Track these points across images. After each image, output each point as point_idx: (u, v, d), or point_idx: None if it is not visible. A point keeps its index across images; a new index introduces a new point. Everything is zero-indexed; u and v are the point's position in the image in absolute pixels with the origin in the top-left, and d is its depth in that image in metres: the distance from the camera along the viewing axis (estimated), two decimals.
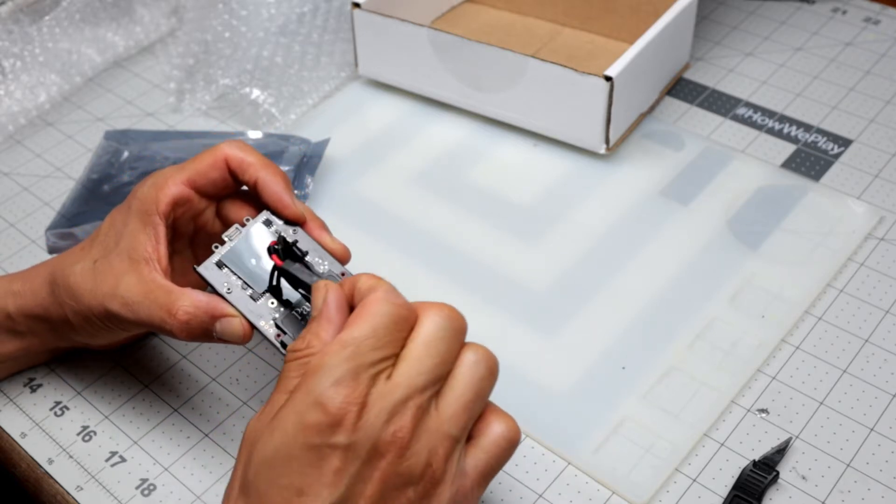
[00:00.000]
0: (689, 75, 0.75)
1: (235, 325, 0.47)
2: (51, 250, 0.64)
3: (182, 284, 0.49)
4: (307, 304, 0.48)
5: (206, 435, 0.54)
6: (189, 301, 0.47)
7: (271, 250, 0.49)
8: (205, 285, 0.49)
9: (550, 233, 0.64)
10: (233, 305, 0.48)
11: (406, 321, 0.41)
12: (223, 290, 0.48)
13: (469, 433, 0.42)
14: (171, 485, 0.52)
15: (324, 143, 0.69)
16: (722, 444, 0.52)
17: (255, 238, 0.50)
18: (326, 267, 0.49)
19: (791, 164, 0.67)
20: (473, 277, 0.61)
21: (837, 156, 0.68)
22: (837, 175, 0.66)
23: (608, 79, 0.64)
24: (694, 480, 0.50)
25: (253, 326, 0.47)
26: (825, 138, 0.69)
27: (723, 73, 0.76)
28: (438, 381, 0.41)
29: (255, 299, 0.48)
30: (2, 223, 0.68)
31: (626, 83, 0.65)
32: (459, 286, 0.61)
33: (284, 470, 0.39)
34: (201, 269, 0.49)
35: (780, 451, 0.50)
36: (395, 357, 0.41)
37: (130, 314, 0.48)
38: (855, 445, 0.51)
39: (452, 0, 0.81)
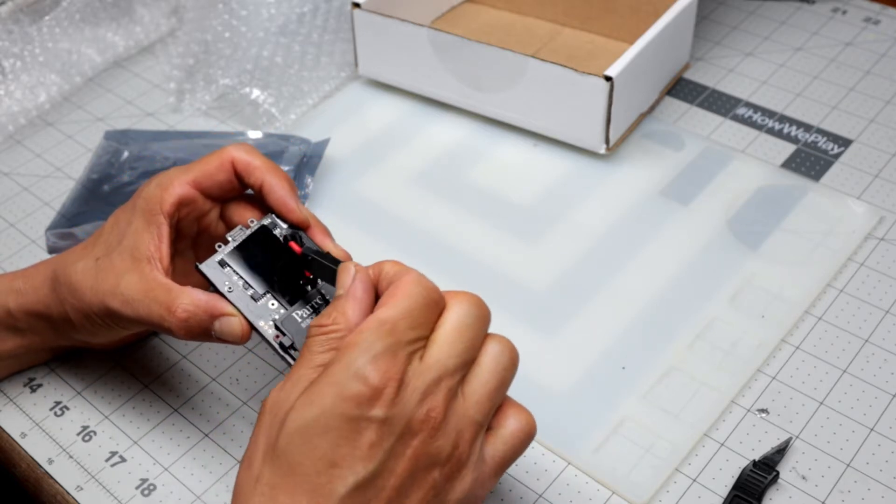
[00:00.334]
0: (689, 75, 0.75)
1: (234, 324, 0.47)
2: (51, 250, 0.64)
3: (183, 285, 0.49)
4: (319, 297, 0.49)
5: (206, 435, 0.54)
6: (189, 299, 0.47)
7: (290, 238, 0.49)
8: (207, 286, 0.49)
9: (550, 233, 0.64)
10: (233, 304, 0.48)
11: (437, 305, 0.42)
12: (224, 289, 0.48)
13: (488, 424, 0.43)
14: (171, 485, 0.52)
15: (324, 143, 0.69)
16: (722, 444, 0.52)
17: (258, 239, 0.50)
18: None
19: (791, 164, 0.67)
20: (473, 277, 0.61)
21: (837, 156, 0.68)
22: (837, 175, 0.66)
23: (608, 79, 0.64)
24: (694, 480, 0.50)
25: (252, 327, 0.48)
26: (825, 138, 0.69)
27: (723, 73, 0.76)
28: (466, 366, 0.42)
29: (255, 300, 0.48)
30: (2, 223, 0.68)
31: (626, 83, 0.65)
32: (459, 286, 0.60)
33: (320, 441, 0.39)
34: (203, 266, 0.49)
35: (780, 451, 0.50)
36: (426, 339, 0.42)
37: (130, 311, 0.48)
38: (855, 445, 0.51)
39: (452, 0, 0.81)
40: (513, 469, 0.51)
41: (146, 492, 0.51)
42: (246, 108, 0.75)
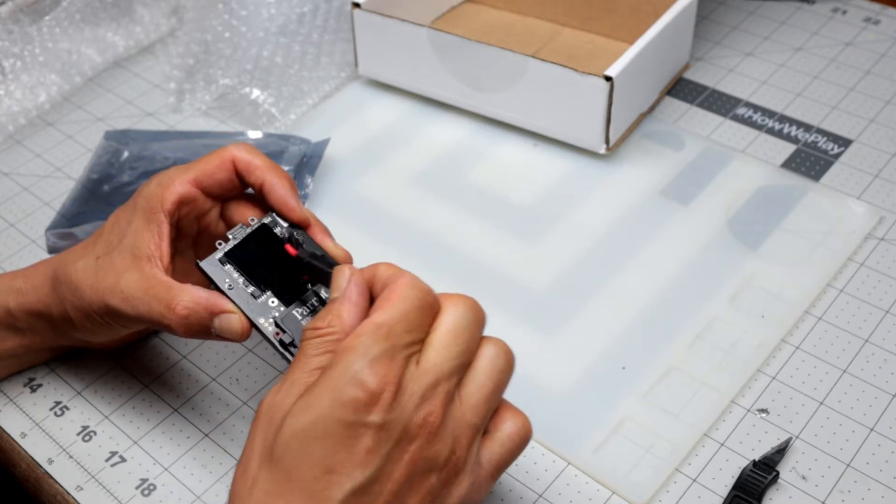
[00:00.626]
0: (689, 75, 0.75)
1: (234, 321, 0.47)
2: (51, 250, 0.64)
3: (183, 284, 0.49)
4: (315, 298, 0.49)
5: (206, 435, 0.54)
6: (189, 296, 0.47)
7: (286, 240, 0.49)
8: (207, 285, 0.49)
9: (550, 233, 0.64)
10: (233, 302, 0.48)
11: (432, 308, 0.42)
12: (224, 287, 0.48)
13: (485, 427, 0.43)
14: (171, 485, 0.52)
15: (324, 143, 0.69)
16: (722, 444, 0.52)
17: (259, 238, 0.50)
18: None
19: (791, 164, 0.67)
20: (473, 277, 0.61)
21: (837, 156, 0.68)
22: (837, 175, 0.66)
23: (608, 79, 0.64)
24: (694, 480, 0.50)
25: (252, 324, 0.48)
26: (825, 138, 0.69)
27: (723, 73, 0.76)
28: (462, 370, 0.42)
29: (255, 297, 0.48)
30: (2, 223, 0.68)
31: (626, 83, 0.65)
32: (459, 286, 0.61)
33: (317, 446, 0.39)
34: (204, 263, 0.49)
35: (780, 451, 0.50)
36: (422, 342, 0.41)
37: (130, 309, 0.48)
38: (855, 445, 0.51)
39: (452, 0, 0.81)
40: (513, 469, 0.51)
41: (146, 492, 0.51)
42: (246, 108, 0.75)
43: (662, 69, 0.71)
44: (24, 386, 0.57)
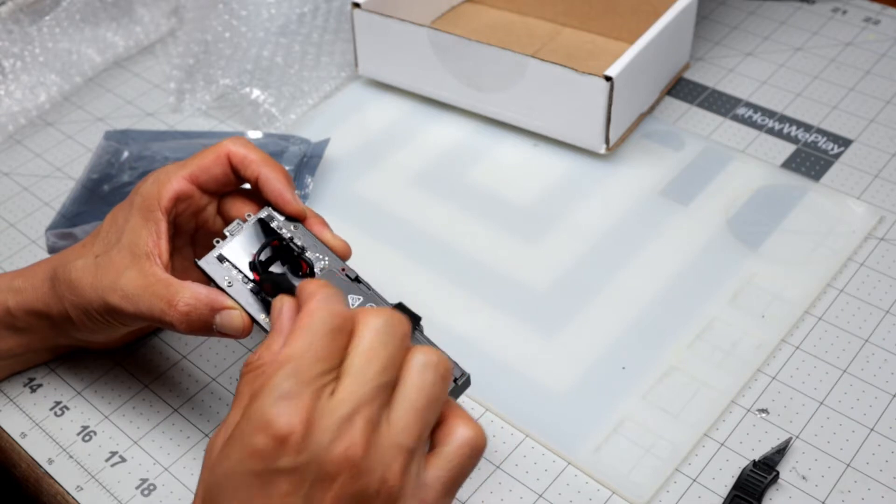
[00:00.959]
0: (689, 75, 0.75)
1: (235, 317, 0.47)
2: (51, 250, 0.64)
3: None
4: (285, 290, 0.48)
5: (206, 435, 0.54)
6: (190, 293, 0.47)
7: (252, 266, 0.49)
8: (206, 283, 0.49)
9: (550, 233, 0.64)
10: (233, 299, 0.48)
11: (342, 330, 0.39)
12: (224, 284, 0.48)
13: (431, 441, 0.40)
14: (171, 485, 0.52)
15: (324, 143, 0.69)
16: (722, 444, 0.52)
17: (256, 233, 0.50)
18: (326, 262, 0.50)
19: (791, 164, 0.67)
20: (474, 277, 0.61)
21: (837, 156, 0.68)
22: (837, 175, 0.66)
23: (608, 79, 0.64)
24: (694, 480, 0.50)
25: (253, 320, 0.48)
26: (825, 138, 0.69)
27: (723, 73, 0.76)
28: (386, 390, 0.38)
29: (255, 293, 0.48)
30: (2, 223, 0.68)
31: (626, 83, 0.65)
32: (460, 286, 0.61)
33: (236, 495, 0.37)
34: (202, 262, 0.49)
35: (780, 451, 0.50)
36: (337, 369, 0.38)
37: (131, 307, 0.48)
38: (855, 445, 0.51)
39: (452, 0, 0.81)
40: (513, 469, 0.51)
41: (146, 492, 0.51)
42: (246, 108, 0.75)
43: (662, 69, 0.71)
44: (24, 386, 0.57)
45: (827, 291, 0.59)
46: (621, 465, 0.51)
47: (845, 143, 0.69)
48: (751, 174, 0.67)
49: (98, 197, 0.66)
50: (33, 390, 0.57)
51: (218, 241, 0.50)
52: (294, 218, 0.51)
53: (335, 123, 0.74)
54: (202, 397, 0.56)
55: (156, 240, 0.49)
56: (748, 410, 0.53)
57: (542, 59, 0.65)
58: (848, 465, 0.50)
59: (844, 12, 0.81)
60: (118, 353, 0.58)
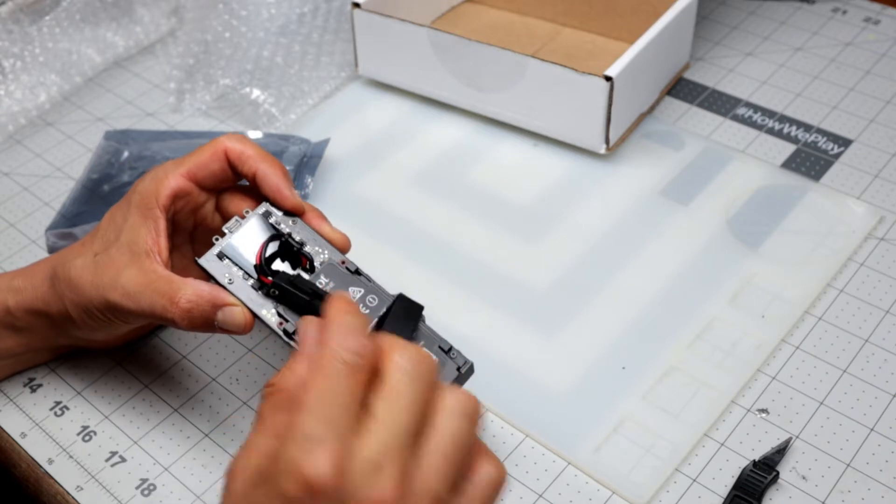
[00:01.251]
0: (689, 75, 0.75)
1: (237, 313, 0.47)
2: (51, 250, 0.64)
3: None
4: (301, 293, 0.48)
5: (206, 435, 0.54)
6: (191, 290, 0.48)
7: (258, 270, 0.49)
8: (207, 280, 0.49)
9: (550, 233, 0.64)
10: (234, 296, 0.48)
11: (366, 369, 0.37)
12: (225, 281, 0.48)
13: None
14: (171, 485, 0.52)
15: (324, 143, 0.69)
16: (722, 444, 0.52)
17: (255, 229, 0.50)
18: (325, 256, 0.50)
19: (791, 164, 0.67)
20: (473, 277, 0.61)
21: (837, 156, 0.68)
22: (837, 175, 0.66)
23: (608, 79, 0.64)
24: (694, 480, 0.50)
25: (255, 315, 0.48)
26: (825, 138, 0.69)
27: (723, 73, 0.76)
28: (416, 435, 0.36)
29: (256, 289, 0.48)
30: (2, 223, 0.68)
31: (626, 83, 0.65)
32: (460, 286, 0.61)
33: None
34: (202, 260, 0.49)
35: (780, 451, 0.50)
36: (363, 410, 0.36)
37: (132, 304, 0.48)
38: (855, 445, 0.51)
39: (452, 0, 0.81)
40: (513, 469, 0.51)
41: (146, 492, 0.51)
42: (246, 108, 0.75)
43: (662, 69, 0.71)
44: (24, 386, 0.57)
45: (827, 291, 0.59)
46: (621, 465, 0.51)
47: (845, 143, 0.69)
48: (751, 174, 0.67)
49: (98, 197, 0.66)
50: (33, 390, 0.57)
51: (217, 239, 0.50)
52: (292, 213, 0.51)
53: (335, 123, 0.74)
54: (202, 397, 0.56)
55: (155, 237, 0.50)
56: (748, 410, 0.53)
57: (542, 59, 0.65)
58: (848, 465, 0.50)
59: (844, 12, 0.81)
60: (118, 353, 0.58)
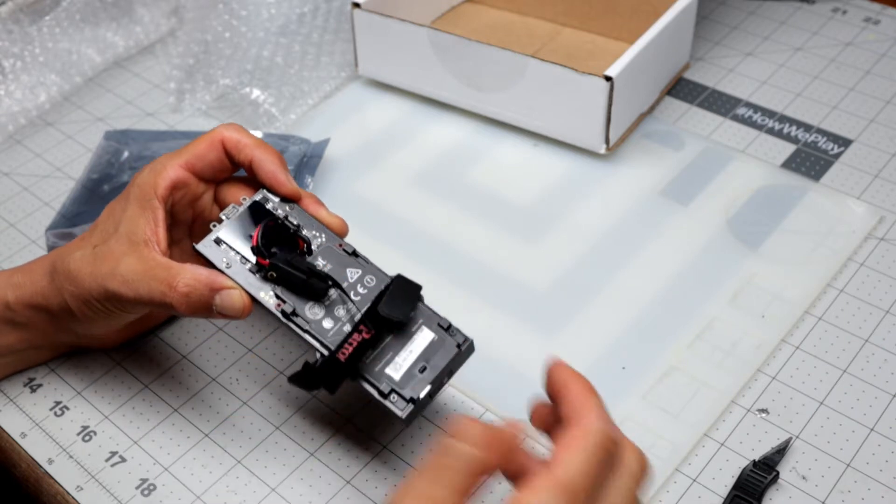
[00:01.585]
0: (689, 75, 0.75)
1: (235, 297, 0.48)
2: (51, 250, 0.64)
3: None
4: (298, 272, 0.48)
5: (206, 435, 0.54)
6: (189, 274, 0.48)
7: (255, 252, 0.49)
8: (206, 266, 0.50)
9: (550, 233, 0.64)
10: (232, 279, 0.48)
11: (613, 459, 0.40)
12: (222, 266, 0.49)
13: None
14: (171, 485, 0.52)
15: (324, 143, 0.69)
16: (722, 444, 0.52)
17: (252, 215, 0.51)
18: (322, 239, 0.50)
19: (791, 164, 0.67)
20: (474, 277, 0.61)
21: (837, 156, 0.68)
22: (837, 175, 0.66)
23: (608, 79, 0.64)
24: (694, 480, 0.50)
25: (253, 299, 0.48)
26: (825, 138, 0.69)
27: (723, 73, 0.76)
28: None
29: (253, 272, 0.49)
30: (2, 223, 0.68)
31: (626, 83, 0.65)
32: (459, 286, 0.61)
33: None
34: (200, 246, 0.50)
35: (780, 451, 0.50)
36: (595, 499, 0.38)
37: (130, 292, 0.48)
38: (855, 445, 0.51)
39: (452, 0, 0.81)
40: None
41: (146, 492, 0.51)
42: (246, 108, 0.75)
43: (662, 69, 0.71)
44: (24, 386, 0.57)
45: (827, 291, 0.59)
46: None
47: (845, 143, 0.69)
48: (751, 174, 0.67)
49: (98, 197, 0.66)
50: (33, 390, 0.57)
51: (214, 226, 0.50)
52: (289, 199, 0.51)
53: (335, 123, 0.74)
54: (202, 397, 0.56)
55: (153, 227, 0.50)
56: (748, 410, 0.53)
57: (542, 59, 0.65)
58: (848, 465, 0.50)
59: (844, 12, 0.81)
60: (118, 353, 0.58)
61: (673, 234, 0.63)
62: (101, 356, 0.58)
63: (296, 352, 0.58)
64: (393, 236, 0.64)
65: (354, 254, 0.50)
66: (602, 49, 0.76)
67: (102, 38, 0.81)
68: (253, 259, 0.49)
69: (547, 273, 0.61)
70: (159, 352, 0.58)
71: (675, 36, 0.71)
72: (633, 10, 0.75)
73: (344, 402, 0.55)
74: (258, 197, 0.51)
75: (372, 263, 0.50)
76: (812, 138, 0.69)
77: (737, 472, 0.50)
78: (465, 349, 0.48)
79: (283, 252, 0.49)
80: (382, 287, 0.49)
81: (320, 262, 0.49)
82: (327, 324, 0.48)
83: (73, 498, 0.51)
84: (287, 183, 0.51)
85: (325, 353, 0.47)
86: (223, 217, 0.51)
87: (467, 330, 0.50)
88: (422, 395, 0.46)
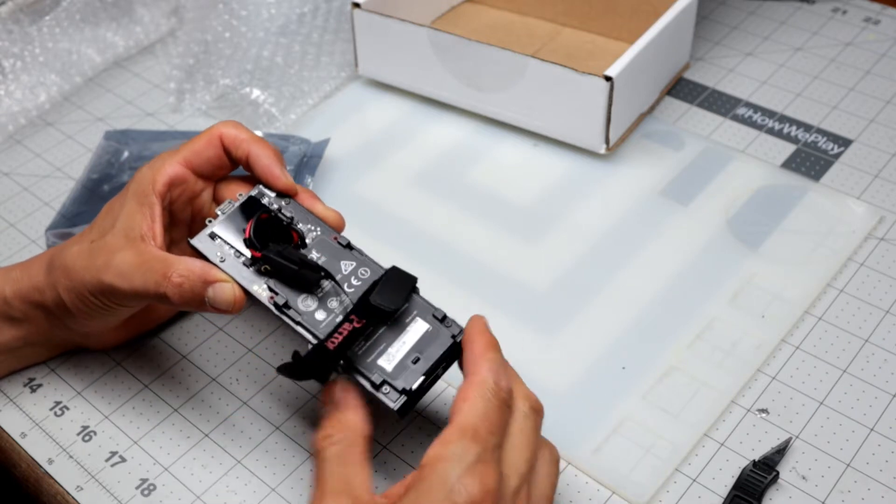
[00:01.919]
0: (689, 75, 0.75)
1: (227, 290, 0.48)
2: None
3: None
4: (290, 263, 0.49)
5: (206, 435, 0.54)
6: (184, 265, 0.48)
7: (248, 244, 0.50)
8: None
9: (550, 233, 0.64)
10: (226, 273, 0.49)
11: (507, 405, 0.43)
12: (216, 260, 0.49)
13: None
14: (171, 485, 0.52)
15: (324, 143, 0.69)
16: (722, 444, 0.52)
17: (247, 211, 0.51)
18: (318, 232, 0.50)
19: (791, 164, 0.67)
20: (473, 277, 0.61)
21: (837, 156, 0.68)
22: (837, 175, 0.66)
23: (608, 79, 0.64)
24: (694, 480, 0.50)
25: (246, 292, 0.48)
26: (825, 138, 0.69)
27: (723, 73, 0.76)
28: (531, 473, 0.43)
29: (247, 266, 0.49)
30: (2, 223, 0.68)
31: (626, 83, 0.65)
32: (459, 286, 0.61)
33: None
34: (194, 241, 0.50)
35: (780, 451, 0.50)
36: (502, 445, 0.42)
37: (125, 284, 0.48)
38: (855, 445, 0.51)
39: (452, 0, 0.81)
40: None
41: (146, 492, 0.51)
42: (246, 108, 0.75)
43: (662, 69, 0.71)
44: (24, 386, 0.57)
45: (827, 291, 0.59)
46: (621, 465, 0.51)
47: (845, 143, 0.69)
48: (751, 174, 0.67)
49: (98, 197, 0.66)
50: (33, 390, 0.57)
51: (210, 221, 0.51)
52: (284, 193, 0.51)
53: (335, 123, 0.74)
54: (202, 397, 0.56)
55: (150, 223, 0.50)
56: (748, 410, 0.53)
57: (542, 59, 0.65)
58: (848, 465, 0.50)
59: (844, 12, 0.81)
60: (118, 353, 0.58)
61: (673, 234, 0.63)
62: (101, 356, 0.58)
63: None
64: (393, 236, 0.64)
65: (349, 246, 0.50)
66: (602, 49, 0.76)
67: (102, 38, 0.81)
68: (248, 253, 0.49)
69: (547, 273, 0.61)
70: (159, 352, 0.58)
71: (675, 36, 0.71)
72: (633, 10, 0.75)
73: None
74: (254, 192, 0.52)
75: (367, 256, 0.50)
76: (812, 138, 0.69)
77: (737, 472, 0.50)
78: (460, 340, 0.48)
79: (277, 245, 0.49)
80: (376, 279, 0.49)
81: (314, 255, 0.50)
82: (320, 315, 0.48)
83: (73, 498, 0.51)
84: (282, 177, 0.51)
85: (315, 342, 0.47)
86: (219, 213, 0.51)
87: None
88: (415, 386, 0.46)
